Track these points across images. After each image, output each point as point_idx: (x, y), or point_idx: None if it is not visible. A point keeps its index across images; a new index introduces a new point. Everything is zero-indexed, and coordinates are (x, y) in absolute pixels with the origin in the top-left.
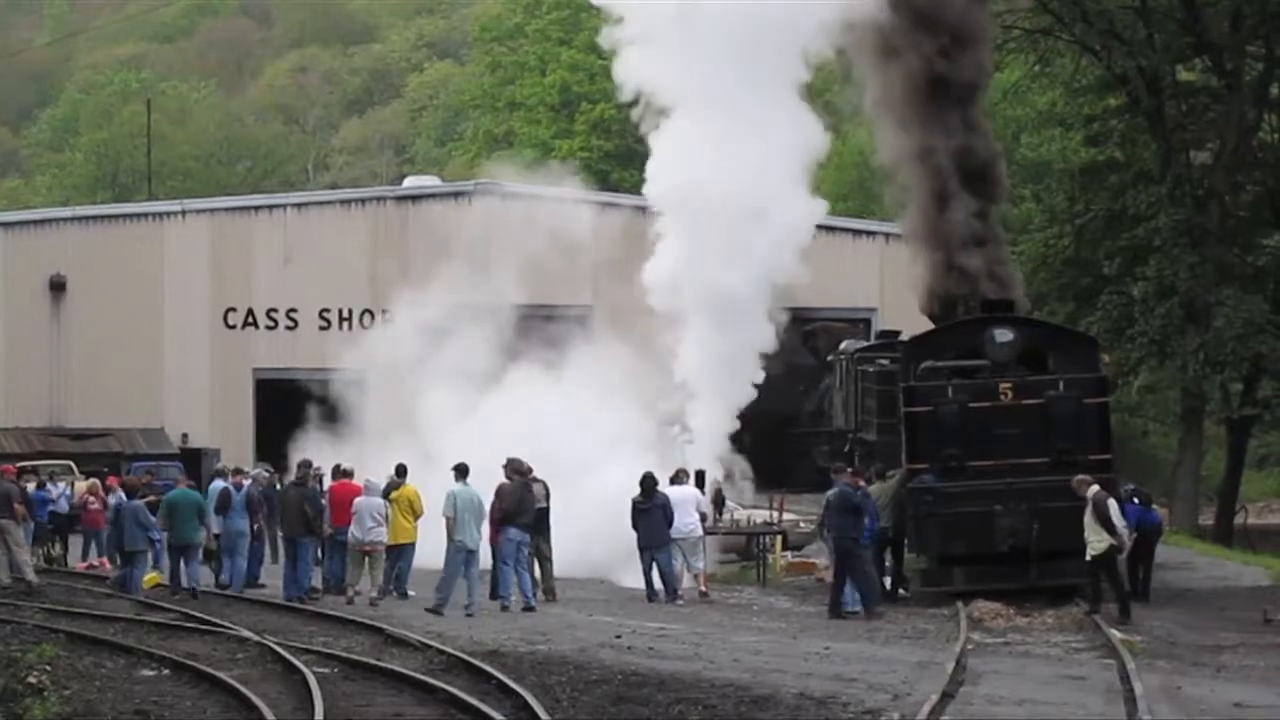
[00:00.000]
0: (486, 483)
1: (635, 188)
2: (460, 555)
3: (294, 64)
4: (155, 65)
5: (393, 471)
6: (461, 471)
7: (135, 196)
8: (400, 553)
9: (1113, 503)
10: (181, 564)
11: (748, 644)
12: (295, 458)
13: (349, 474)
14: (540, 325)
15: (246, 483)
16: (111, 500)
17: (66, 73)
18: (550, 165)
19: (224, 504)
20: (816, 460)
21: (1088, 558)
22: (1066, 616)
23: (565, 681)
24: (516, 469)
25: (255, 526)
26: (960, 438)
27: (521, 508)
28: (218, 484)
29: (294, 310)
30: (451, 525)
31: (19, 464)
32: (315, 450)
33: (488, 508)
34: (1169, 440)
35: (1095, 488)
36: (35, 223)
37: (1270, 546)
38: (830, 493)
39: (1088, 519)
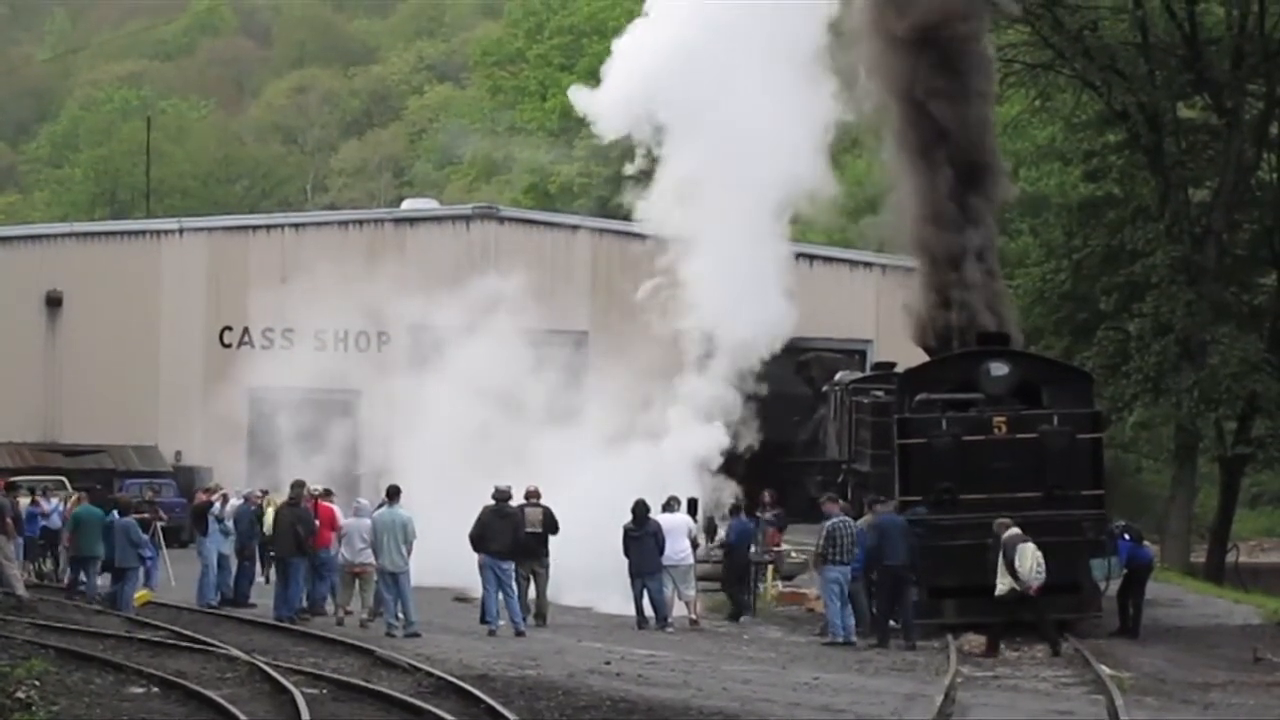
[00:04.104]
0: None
1: (633, 214)
2: (385, 577)
3: (294, 84)
4: (155, 83)
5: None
6: (389, 494)
7: (133, 214)
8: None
9: (1023, 547)
10: (83, 574)
11: (737, 673)
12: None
13: (325, 494)
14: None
15: (235, 502)
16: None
17: (66, 89)
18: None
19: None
20: (809, 490)
21: (995, 595)
22: None
23: (554, 707)
24: (495, 494)
25: (239, 546)
26: (953, 471)
27: (488, 534)
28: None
29: (290, 330)
30: (375, 548)
31: (11, 478)
32: (304, 470)
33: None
34: (1162, 477)
35: (1010, 531)
36: (32, 238)
37: (1261, 585)
38: (830, 523)
39: (999, 561)
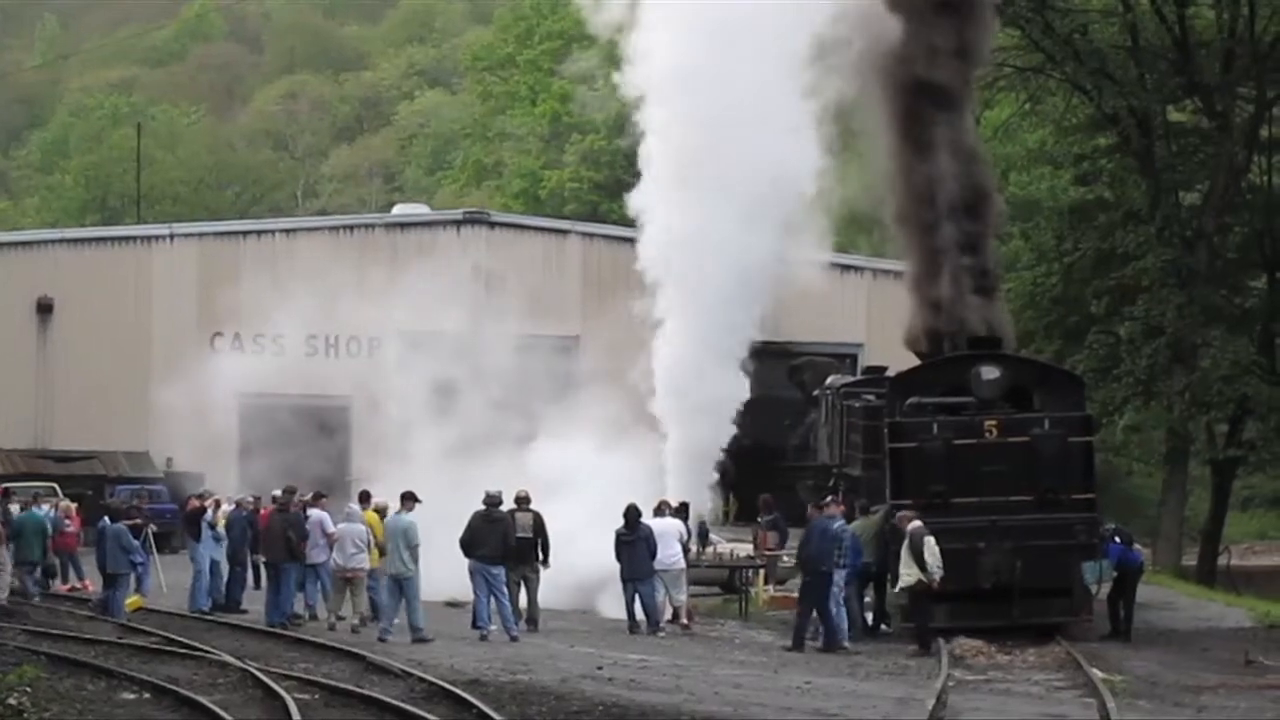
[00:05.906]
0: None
1: (624, 219)
2: (391, 583)
3: (284, 90)
4: (146, 89)
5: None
6: (402, 498)
7: (124, 220)
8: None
9: (930, 540)
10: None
11: (729, 677)
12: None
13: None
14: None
15: (228, 507)
16: None
17: (57, 95)
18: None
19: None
20: (801, 495)
21: (895, 589)
22: (1048, 655)
23: (546, 712)
24: (485, 500)
25: (232, 551)
26: (945, 474)
27: (477, 539)
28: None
29: (280, 336)
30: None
31: (2, 485)
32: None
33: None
34: (1153, 480)
35: (915, 523)
36: (23, 244)
37: (1253, 588)
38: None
39: (903, 553)
